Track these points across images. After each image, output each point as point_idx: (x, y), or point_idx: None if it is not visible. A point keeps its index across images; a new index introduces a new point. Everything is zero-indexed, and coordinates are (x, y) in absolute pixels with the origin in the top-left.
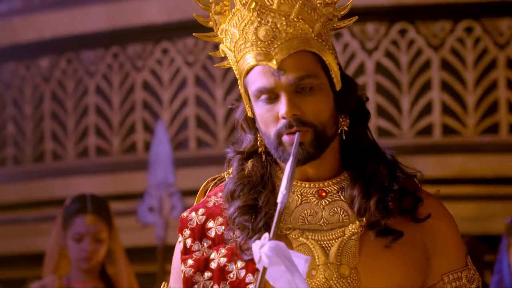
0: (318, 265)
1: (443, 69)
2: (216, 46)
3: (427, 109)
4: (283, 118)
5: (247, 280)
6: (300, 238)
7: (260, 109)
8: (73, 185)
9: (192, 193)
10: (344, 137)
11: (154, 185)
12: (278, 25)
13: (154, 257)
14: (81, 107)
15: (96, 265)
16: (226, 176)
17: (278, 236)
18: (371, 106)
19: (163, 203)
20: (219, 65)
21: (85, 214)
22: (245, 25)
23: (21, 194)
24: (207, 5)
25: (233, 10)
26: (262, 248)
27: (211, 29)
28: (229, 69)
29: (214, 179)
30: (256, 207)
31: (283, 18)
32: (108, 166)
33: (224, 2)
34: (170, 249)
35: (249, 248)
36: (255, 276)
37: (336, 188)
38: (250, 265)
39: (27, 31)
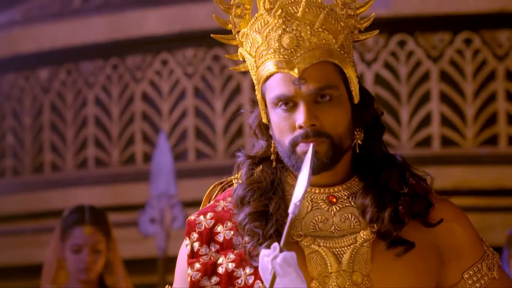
0: (331, 273)
1: (442, 80)
2: (215, 57)
3: (426, 121)
4: (300, 127)
5: (255, 287)
6: (312, 246)
7: (277, 117)
8: (72, 197)
9: (190, 204)
10: (358, 151)
11: (155, 196)
12: (303, 34)
13: (155, 268)
14: (80, 118)
15: (94, 276)
16: (234, 181)
17: (289, 243)
18: None
19: (164, 214)
20: (234, 68)
21: (83, 225)
22: (269, 32)
23: (20, 205)
24: (228, 8)
25: (255, 14)
26: (275, 260)
27: (208, 39)
28: (228, 81)
29: (221, 183)
30: (266, 213)
31: (308, 27)
32: (107, 178)
33: (245, 6)
34: (171, 260)
35: (259, 255)
36: (264, 283)
37: (346, 194)
38: (259, 272)
39: (27, 42)
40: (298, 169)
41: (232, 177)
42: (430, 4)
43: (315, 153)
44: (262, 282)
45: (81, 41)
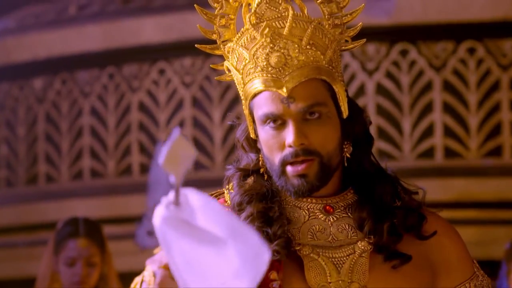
0: (330, 283)
1: (445, 90)
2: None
3: (428, 131)
4: (290, 146)
5: (271, 277)
6: (311, 255)
7: (266, 134)
8: (67, 209)
9: None
10: (346, 164)
11: (153, 208)
12: (290, 52)
13: None
14: (75, 128)
15: None
16: (225, 192)
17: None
18: (371, 128)
19: None
20: (219, 78)
21: (77, 238)
22: (256, 50)
23: (14, 218)
24: (211, 18)
25: (241, 29)
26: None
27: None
28: (226, 91)
29: (213, 194)
30: (268, 216)
31: (296, 45)
32: (103, 189)
33: (230, 16)
34: None
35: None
36: (279, 274)
37: (342, 205)
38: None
39: (21, 51)
40: (288, 191)
41: (224, 189)
42: (433, 12)
43: (304, 176)
44: (277, 272)
45: (77, 49)
